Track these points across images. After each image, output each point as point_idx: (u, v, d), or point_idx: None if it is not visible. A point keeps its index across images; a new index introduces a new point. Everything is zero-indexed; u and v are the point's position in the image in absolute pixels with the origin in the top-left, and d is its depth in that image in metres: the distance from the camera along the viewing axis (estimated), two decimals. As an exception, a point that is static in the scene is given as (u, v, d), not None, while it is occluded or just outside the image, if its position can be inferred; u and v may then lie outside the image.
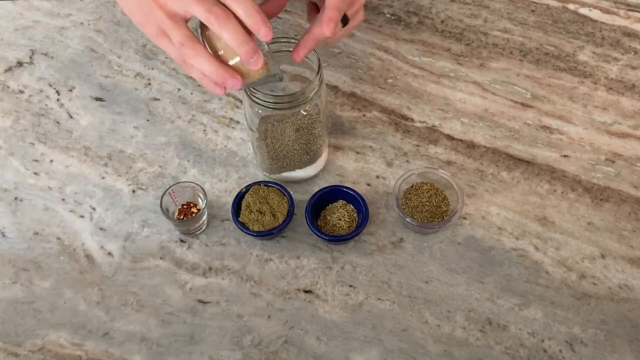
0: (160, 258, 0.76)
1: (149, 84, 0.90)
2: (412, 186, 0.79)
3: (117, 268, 0.76)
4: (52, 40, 0.94)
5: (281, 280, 0.75)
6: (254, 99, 0.69)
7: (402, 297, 0.74)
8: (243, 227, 0.75)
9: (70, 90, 0.89)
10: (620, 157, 0.83)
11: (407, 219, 0.75)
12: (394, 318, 0.72)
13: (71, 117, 0.87)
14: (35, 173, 0.83)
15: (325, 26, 0.64)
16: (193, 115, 0.87)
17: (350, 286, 0.74)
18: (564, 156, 0.83)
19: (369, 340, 0.71)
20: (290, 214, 0.75)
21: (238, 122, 0.86)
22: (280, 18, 0.95)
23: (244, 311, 0.73)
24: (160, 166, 0.83)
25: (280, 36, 0.71)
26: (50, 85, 0.90)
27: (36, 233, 0.78)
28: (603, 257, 0.76)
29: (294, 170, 0.79)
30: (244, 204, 0.77)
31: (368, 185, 0.81)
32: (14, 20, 0.96)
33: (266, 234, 0.74)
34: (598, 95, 0.88)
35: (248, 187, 0.77)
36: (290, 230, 0.78)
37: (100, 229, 0.78)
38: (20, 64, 0.92)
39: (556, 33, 0.93)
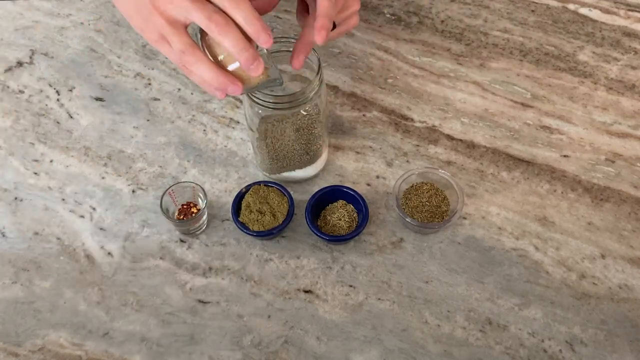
0: (160, 258, 0.76)
1: (149, 84, 0.90)
2: (412, 186, 0.79)
3: (117, 268, 0.76)
4: (52, 40, 0.94)
5: (281, 280, 0.75)
6: (254, 99, 0.69)
7: (402, 297, 0.73)
8: (243, 227, 0.75)
9: (70, 90, 0.89)
10: (620, 157, 0.83)
11: (407, 219, 0.75)
12: (394, 318, 0.72)
13: (71, 117, 0.87)
14: (35, 173, 0.83)
15: (317, 34, 0.64)
16: (193, 115, 0.87)
17: (350, 286, 0.74)
18: (564, 156, 0.83)
19: (369, 340, 0.71)
20: (290, 214, 0.75)
21: (238, 122, 0.86)
22: (280, 18, 0.95)
23: (244, 311, 0.73)
24: (160, 166, 0.83)
25: (280, 36, 0.71)
26: (50, 85, 0.90)
27: (36, 233, 0.78)
28: (603, 257, 0.76)
29: (294, 170, 0.79)
30: (244, 204, 0.77)
31: (368, 185, 0.81)
32: (14, 20, 0.96)
33: (266, 234, 0.74)
34: (598, 95, 0.88)
35: (248, 187, 0.77)
36: (290, 230, 0.78)
37: (100, 229, 0.78)
38: (20, 64, 0.92)
39: (556, 33, 0.93)
